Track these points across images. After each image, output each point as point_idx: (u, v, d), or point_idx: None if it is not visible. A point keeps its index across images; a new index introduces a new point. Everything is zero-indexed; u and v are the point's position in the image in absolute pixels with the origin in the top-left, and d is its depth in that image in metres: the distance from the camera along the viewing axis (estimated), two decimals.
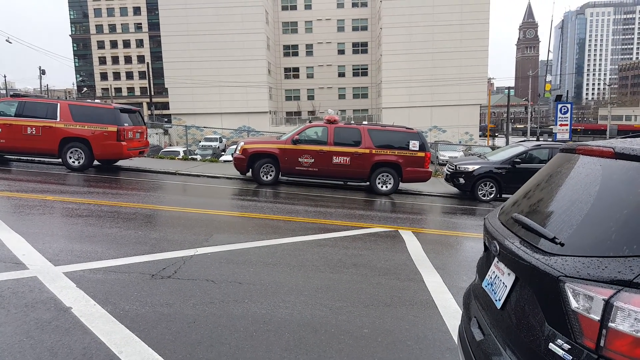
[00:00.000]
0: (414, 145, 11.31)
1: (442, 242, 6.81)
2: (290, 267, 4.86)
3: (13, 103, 11.04)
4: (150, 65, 51.67)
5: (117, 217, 6.56)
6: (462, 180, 11.62)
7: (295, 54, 52.42)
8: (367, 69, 52.35)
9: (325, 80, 52.03)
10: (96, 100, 11.01)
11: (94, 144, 10.89)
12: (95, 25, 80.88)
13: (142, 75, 79.25)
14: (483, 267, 2.39)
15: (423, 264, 5.35)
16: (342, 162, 11.11)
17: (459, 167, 11.76)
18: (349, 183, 12.03)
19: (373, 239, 6.54)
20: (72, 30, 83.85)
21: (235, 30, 43.16)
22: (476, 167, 11.58)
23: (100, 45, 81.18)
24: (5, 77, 53.80)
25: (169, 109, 48.98)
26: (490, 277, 2.18)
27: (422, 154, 11.31)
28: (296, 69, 52.85)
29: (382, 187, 11.32)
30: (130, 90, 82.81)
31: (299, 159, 11.05)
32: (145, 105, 74.75)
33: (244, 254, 5.18)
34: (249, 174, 11.47)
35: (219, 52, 43.31)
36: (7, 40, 45.28)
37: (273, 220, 7.23)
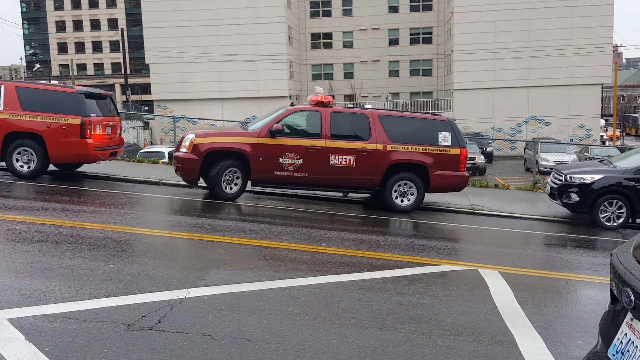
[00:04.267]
0: (445, 138, 11.32)
1: (544, 287, 6.71)
2: (320, 319, 4.88)
3: None
4: (125, 33, 53.71)
5: (80, 243, 6.78)
6: (574, 197, 11.53)
7: (327, 13, 53.08)
8: (431, 33, 52.22)
9: (370, 51, 52.27)
10: (53, 82, 11.49)
11: (50, 141, 11.28)
12: None
13: (114, 46, 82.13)
14: (609, 326, 2.38)
15: (516, 320, 5.28)
16: (343, 163, 11.16)
17: (570, 178, 11.68)
18: (350, 195, 12.29)
19: (440, 281, 6.49)
20: None
21: None
22: (597, 177, 11.46)
23: (59, 4, 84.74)
24: None
25: (150, 93, 50.49)
26: (621, 342, 2.17)
27: (456, 151, 11.37)
28: (328, 35, 53.43)
29: (400, 200, 11.40)
30: (99, 67, 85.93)
31: (280, 160, 11.05)
32: (118, 89, 77.22)
33: (254, 299, 5.25)
34: (202, 182, 11.46)
35: (220, 13, 44.43)
36: None
37: (292, 251, 7.29)
